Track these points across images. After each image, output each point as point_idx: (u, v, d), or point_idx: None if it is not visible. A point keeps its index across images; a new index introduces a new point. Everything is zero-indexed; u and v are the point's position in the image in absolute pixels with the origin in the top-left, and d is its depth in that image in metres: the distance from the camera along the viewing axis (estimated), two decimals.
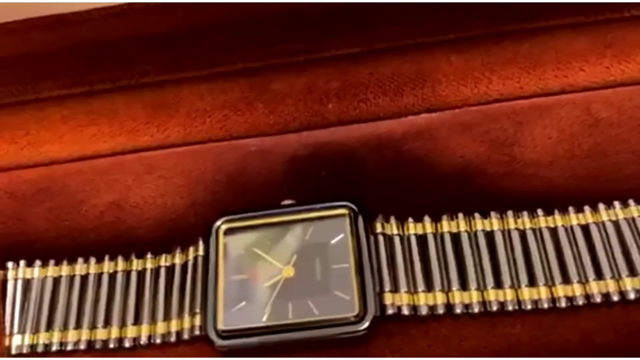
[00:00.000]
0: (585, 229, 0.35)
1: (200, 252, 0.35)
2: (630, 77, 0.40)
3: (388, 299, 0.33)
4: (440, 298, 0.33)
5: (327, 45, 0.40)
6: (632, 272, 0.33)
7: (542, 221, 0.35)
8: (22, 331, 0.36)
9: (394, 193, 0.37)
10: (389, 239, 0.34)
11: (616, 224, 0.35)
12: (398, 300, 0.33)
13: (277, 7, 0.39)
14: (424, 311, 0.33)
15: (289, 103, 0.41)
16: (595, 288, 0.33)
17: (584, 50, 0.40)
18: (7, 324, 0.36)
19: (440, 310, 0.33)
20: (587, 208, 0.35)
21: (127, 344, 0.35)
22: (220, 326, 0.32)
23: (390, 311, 0.32)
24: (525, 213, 0.35)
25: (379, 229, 0.35)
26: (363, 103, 0.41)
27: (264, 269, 0.34)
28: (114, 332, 0.35)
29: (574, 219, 0.35)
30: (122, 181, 0.40)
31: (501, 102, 0.40)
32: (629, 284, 0.33)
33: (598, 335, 0.33)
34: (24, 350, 0.35)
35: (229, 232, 0.35)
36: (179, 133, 0.41)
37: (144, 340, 0.34)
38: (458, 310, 0.33)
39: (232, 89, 0.41)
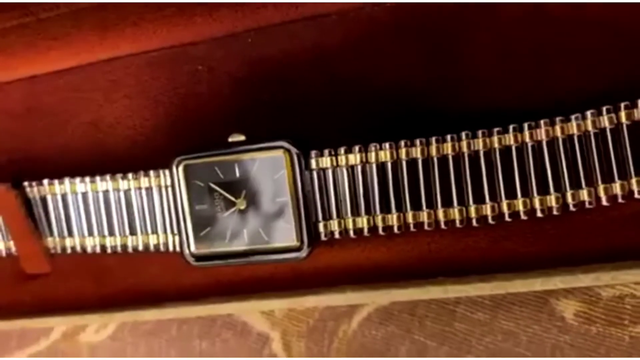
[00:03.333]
0: (508, 150, 0.37)
1: (169, 182, 0.41)
2: None
3: (322, 226, 0.39)
4: (366, 222, 0.39)
5: None
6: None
7: (464, 145, 0.37)
8: (51, 235, 0.46)
9: (332, 117, 0.40)
10: (322, 172, 0.39)
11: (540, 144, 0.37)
12: (331, 227, 0.39)
13: None
14: (352, 234, 0.39)
15: (225, 12, 0.40)
16: (505, 207, 0.37)
17: None
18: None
19: (367, 232, 0.39)
20: (510, 128, 0.37)
21: (130, 250, 0.44)
22: (193, 250, 0.41)
23: (324, 237, 0.39)
24: (448, 137, 0.37)
25: (313, 164, 0.39)
26: (302, 6, 0.40)
27: (221, 201, 0.40)
28: (119, 240, 0.44)
29: (496, 141, 0.37)
30: (95, 100, 0.44)
31: None
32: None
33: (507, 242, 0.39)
34: (59, 251, 0.46)
35: (187, 168, 0.40)
36: (132, 50, 0.43)
37: (141, 247, 0.44)
38: (382, 232, 0.39)
39: (168, 4, 0.41)
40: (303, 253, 0.39)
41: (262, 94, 0.41)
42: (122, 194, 0.43)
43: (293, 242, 0.39)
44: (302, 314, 0.48)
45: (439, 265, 0.40)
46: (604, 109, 0.36)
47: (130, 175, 0.43)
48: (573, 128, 0.36)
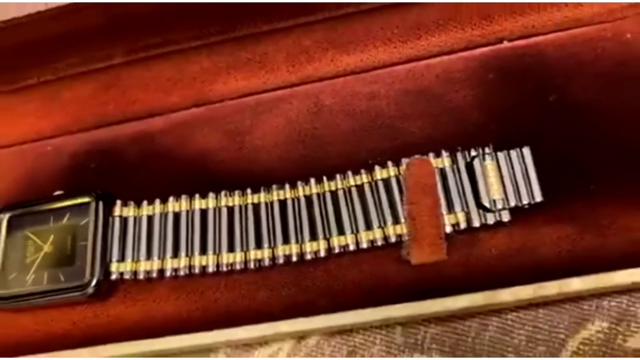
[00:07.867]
0: (283, 203, 0.42)
1: None
2: (354, 66, 0.47)
3: (114, 267, 0.42)
4: (156, 264, 0.42)
5: (97, 57, 0.48)
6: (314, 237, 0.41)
7: (249, 198, 0.43)
8: None
9: (145, 180, 0.46)
10: (124, 220, 0.43)
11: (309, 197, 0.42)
12: (122, 268, 0.42)
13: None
14: (142, 275, 0.42)
15: (76, 109, 0.50)
16: (281, 250, 0.41)
17: (308, 48, 0.47)
18: None
19: (155, 274, 0.42)
20: (287, 185, 0.43)
21: None
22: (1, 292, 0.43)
23: (114, 276, 0.42)
24: (236, 192, 0.43)
25: (116, 212, 0.43)
26: (138, 103, 0.49)
27: (31, 247, 0.44)
28: None
29: (275, 195, 0.43)
30: None
31: (247, 96, 0.48)
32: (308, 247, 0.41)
33: (284, 289, 0.41)
34: None
35: (12, 218, 0.45)
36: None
37: None
38: (168, 274, 0.42)
39: (32, 101, 0.50)
40: (90, 290, 0.41)
41: (90, 163, 0.47)
42: None
43: (84, 279, 0.42)
44: None
45: (222, 316, 0.41)
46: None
47: None
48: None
